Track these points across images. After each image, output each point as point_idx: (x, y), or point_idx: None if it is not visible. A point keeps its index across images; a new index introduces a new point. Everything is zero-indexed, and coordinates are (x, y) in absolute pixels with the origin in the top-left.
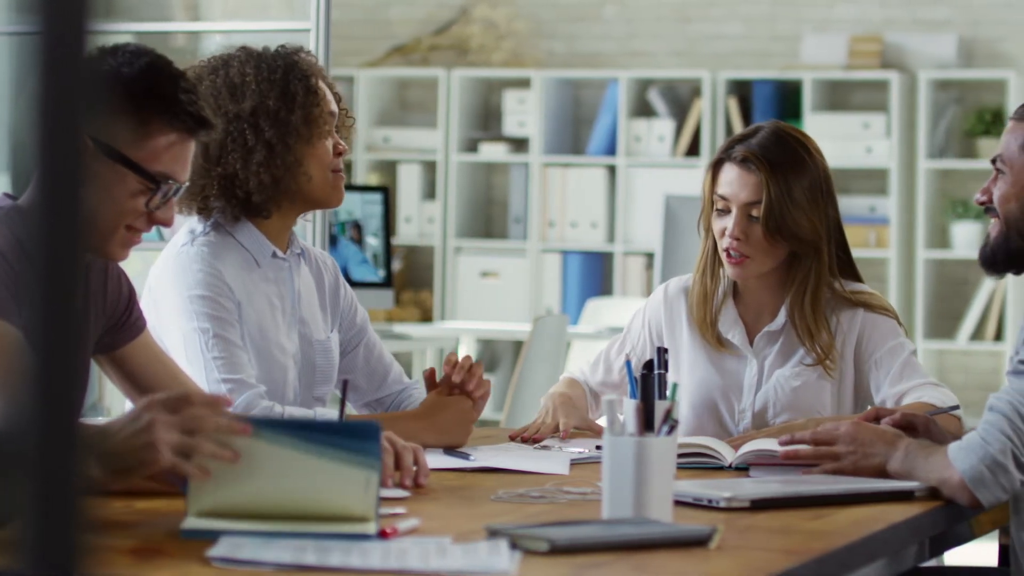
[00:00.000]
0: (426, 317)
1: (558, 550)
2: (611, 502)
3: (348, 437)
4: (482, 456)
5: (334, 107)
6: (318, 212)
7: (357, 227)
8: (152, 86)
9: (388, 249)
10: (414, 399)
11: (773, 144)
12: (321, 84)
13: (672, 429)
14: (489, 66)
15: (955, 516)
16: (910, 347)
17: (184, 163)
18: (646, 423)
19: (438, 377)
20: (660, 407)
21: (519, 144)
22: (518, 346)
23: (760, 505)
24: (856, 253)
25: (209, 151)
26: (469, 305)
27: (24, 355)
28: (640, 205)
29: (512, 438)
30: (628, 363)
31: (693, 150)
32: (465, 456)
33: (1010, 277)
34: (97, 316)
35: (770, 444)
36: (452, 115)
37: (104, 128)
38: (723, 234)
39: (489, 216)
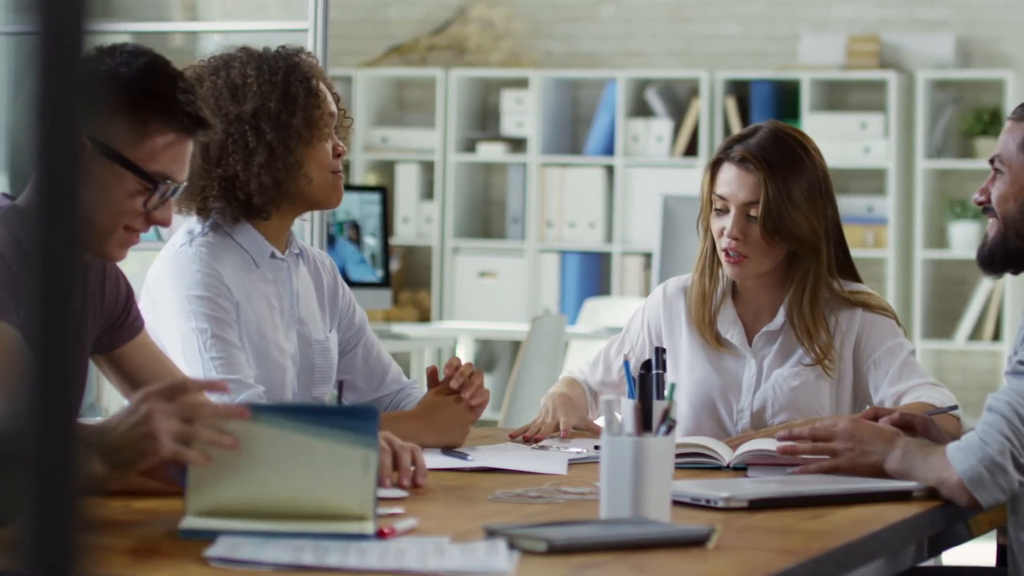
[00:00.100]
0: (424, 317)
1: (556, 550)
2: (609, 502)
3: (346, 418)
4: (480, 456)
5: (334, 108)
6: (316, 212)
7: (355, 227)
8: (150, 86)
9: (386, 249)
10: (413, 399)
11: (771, 144)
12: (322, 86)
13: (670, 429)
14: (487, 66)
15: (953, 516)
16: (909, 347)
17: (182, 163)
18: (644, 423)
19: (440, 376)
20: (658, 407)
21: (517, 144)
22: (516, 346)
23: (758, 505)
24: (854, 253)
25: (209, 152)
26: (467, 305)
27: (22, 355)
28: (638, 205)
29: (512, 437)
30: (626, 363)
31: (691, 150)
32: (463, 456)
33: (1008, 277)
34: (95, 316)
35: (768, 444)
36: (450, 115)
37: (102, 128)
38: (721, 234)
39: (487, 216)
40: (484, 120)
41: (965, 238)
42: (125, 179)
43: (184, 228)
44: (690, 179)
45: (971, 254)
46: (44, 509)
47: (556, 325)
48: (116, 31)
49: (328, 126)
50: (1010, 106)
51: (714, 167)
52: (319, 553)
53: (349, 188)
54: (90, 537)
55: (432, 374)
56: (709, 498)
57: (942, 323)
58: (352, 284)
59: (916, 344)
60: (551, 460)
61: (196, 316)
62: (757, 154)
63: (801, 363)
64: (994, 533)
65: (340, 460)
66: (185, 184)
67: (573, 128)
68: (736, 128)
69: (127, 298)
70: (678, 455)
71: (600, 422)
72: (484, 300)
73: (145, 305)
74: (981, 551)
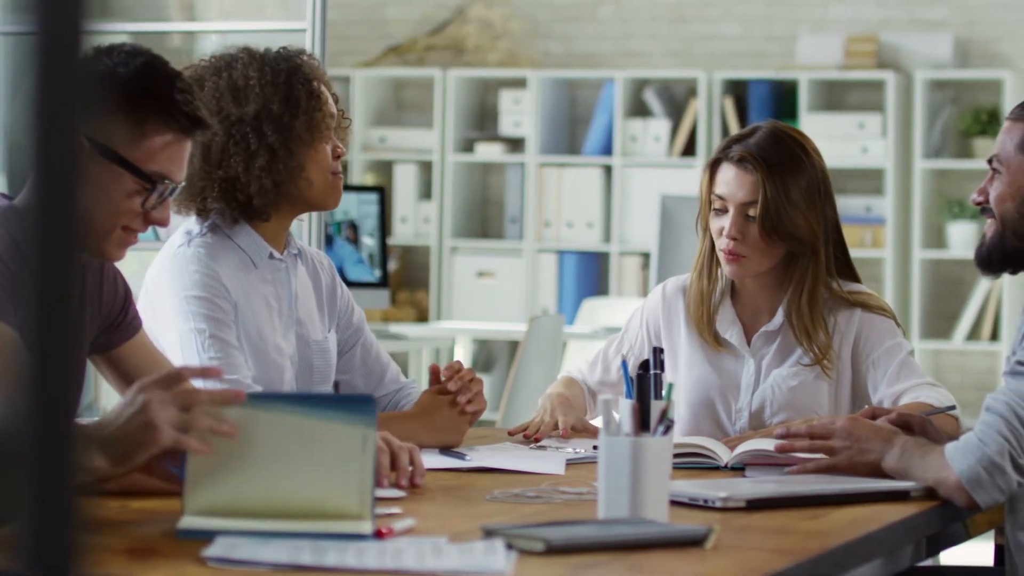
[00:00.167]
0: (422, 317)
1: (554, 550)
2: (607, 502)
3: (344, 403)
4: (478, 456)
5: (334, 109)
6: (314, 212)
7: (353, 227)
8: (148, 86)
9: (384, 249)
10: (411, 398)
11: (770, 144)
12: (323, 88)
13: (668, 429)
14: (485, 66)
15: (951, 516)
16: (907, 347)
17: (180, 163)
18: (642, 423)
19: (442, 377)
20: (656, 407)
21: (515, 144)
22: (514, 346)
23: (756, 505)
24: (852, 253)
25: (210, 153)
26: (465, 305)
27: (20, 355)
28: (636, 205)
29: (511, 434)
30: (624, 363)
31: (689, 150)
32: (461, 456)
33: (1006, 277)
34: (93, 316)
35: (766, 444)
36: (448, 115)
37: (100, 128)
38: (720, 234)
39: (485, 216)
40: (482, 120)
41: (963, 238)
42: (123, 179)
43: (182, 229)
44: (688, 179)
45: (969, 254)
46: (42, 509)
47: (554, 325)
48: (114, 31)
49: (329, 128)
50: (1008, 106)
51: (713, 167)
52: (317, 553)
53: (347, 188)
54: (88, 537)
55: (435, 372)
56: (707, 498)
57: (940, 323)
58: (350, 284)
59: (914, 344)
60: (549, 460)
61: (194, 316)
62: (756, 154)
63: (800, 363)
64: (992, 533)
65: (338, 439)
66: (184, 184)
67: (571, 128)
68: (734, 128)
69: (125, 298)
70: (676, 455)
71: (598, 422)
72: (482, 300)
73: (143, 306)
74: (979, 551)
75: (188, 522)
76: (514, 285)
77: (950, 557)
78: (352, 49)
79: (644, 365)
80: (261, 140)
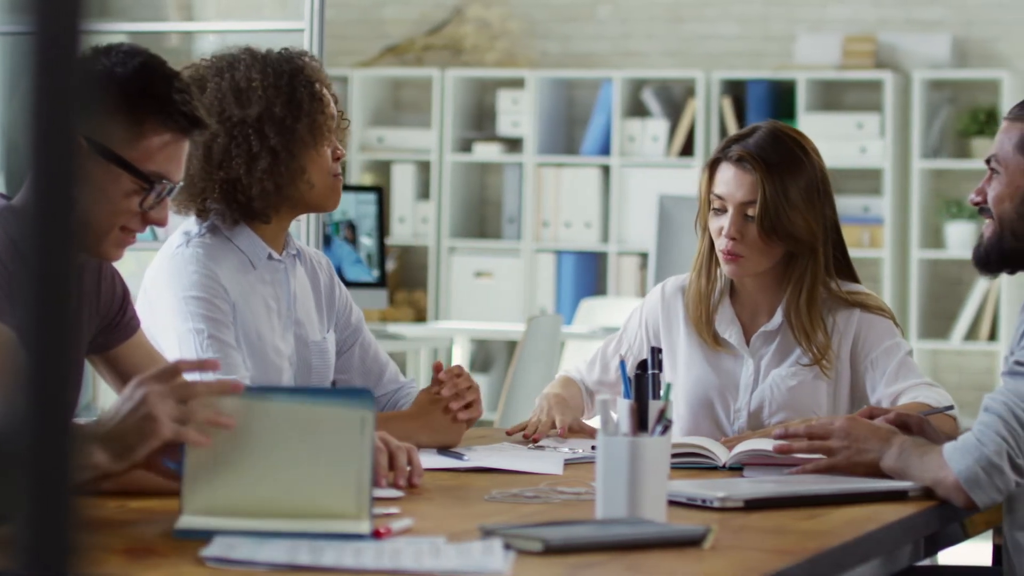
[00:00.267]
0: (420, 317)
1: (552, 550)
2: (605, 502)
3: (340, 393)
4: (476, 456)
5: (334, 111)
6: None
7: (351, 227)
8: (146, 86)
9: (382, 249)
10: (410, 398)
11: (770, 144)
12: (325, 90)
13: (666, 429)
14: (483, 66)
15: (949, 516)
16: (906, 348)
17: (178, 163)
18: (640, 423)
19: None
20: (654, 407)
21: (513, 144)
22: (512, 346)
23: (754, 505)
24: (850, 253)
25: (212, 154)
26: (463, 305)
27: (18, 355)
28: (634, 205)
29: (509, 434)
30: (622, 363)
31: (687, 150)
32: (459, 456)
33: (1004, 277)
34: (91, 316)
35: (764, 444)
36: (446, 115)
37: (98, 128)
38: (719, 233)
39: (483, 216)
40: (480, 120)
41: (961, 238)
42: (121, 179)
43: (181, 229)
44: (686, 179)
45: (967, 254)
46: (40, 509)
47: (552, 325)
48: (112, 31)
49: (331, 131)
50: (1006, 106)
51: (712, 166)
52: (315, 553)
53: (345, 188)
54: (86, 537)
55: (437, 370)
56: (705, 498)
57: (938, 323)
58: (348, 284)
59: (912, 344)
60: (547, 460)
61: (193, 317)
62: (755, 154)
63: (799, 363)
64: (990, 533)
65: (336, 422)
66: (185, 185)
67: (569, 128)
68: (732, 128)
69: (123, 298)
70: (674, 455)
71: (595, 422)
72: (480, 300)
73: (142, 306)
74: (977, 551)
75: (186, 522)
76: (512, 285)
77: (948, 557)
78: (350, 49)
79: (642, 365)
80: (263, 142)
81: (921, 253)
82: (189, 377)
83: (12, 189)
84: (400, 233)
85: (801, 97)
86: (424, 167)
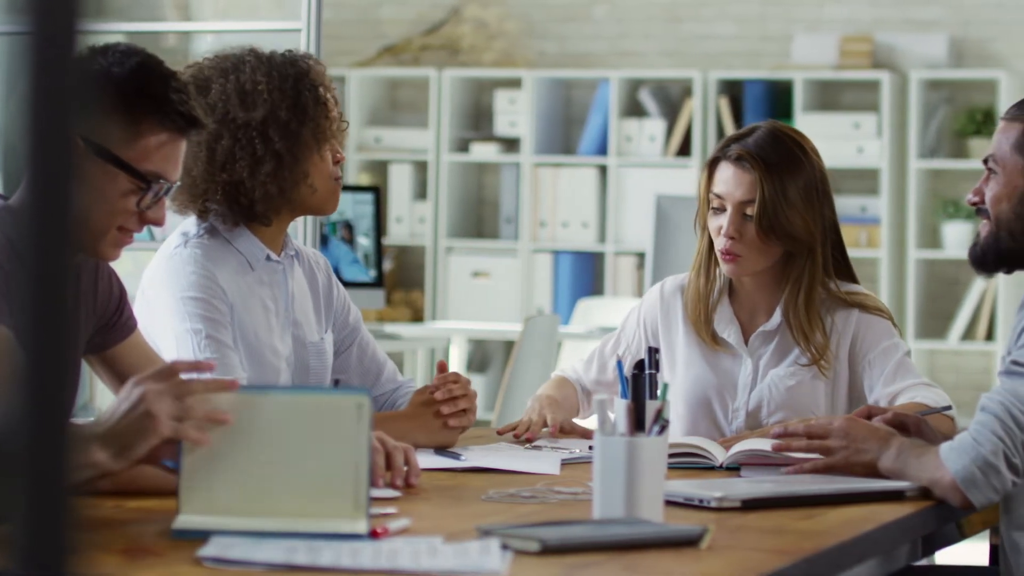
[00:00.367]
0: (417, 317)
1: (549, 550)
2: (602, 502)
3: (336, 388)
4: (473, 456)
5: (337, 115)
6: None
7: (348, 227)
8: (143, 86)
9: (379, 249)
10: (408, 397)
11: (769, 143)
12: (328, 94)
13: (663, 429)
14: (480, 66)
15: (946, 516)
16: (904, 348)
17: (175, 162)
18: (637, 423)
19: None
20: (651, 407)
21: (510, 144)
22: (509, 346)
23: (751, 505)
24: (847, 253)
25: (216, 156)
26: (460, 305)
27: (15, 355)
28: (631, 205)
29: (500, 433)
30: (619, 363)
31: (684, 150)
32: (456, 456)
33: (1001, 276)
34: (88, 316)
35: (762, 444)
36: (443, 115)
37: (95, 128)
38: (718, 232)
39: (480, 216)
40: (477, 120)
41: (958, 238)
42: (118, 179)
43: (179, 230)
44: (683, 179)
45: (964, 254)
46: (37, 509)
47: (549, 325)
48: (109, 31)
49: (333, 135)
50: (1003, 106)
51: (711, 166)
52: (312, 553)
53: (342, 188)
54: (83, 537)
55: (442, 368)
56: (702, 498)
57: (935, 323)
58: (345, 284)
59: (909, 344)
60: (544, 460)
61: (191, 317)
62: (754, 153)
63: (797, 363)
64: (987, 533)
65: (333, 410)
66: (187, 185)
67: (566, 128)
68: (729, 128)
69: (120, 298)
70: (671, 455)
71: (591, 422)
72: (477, 300)
73: (140, 306)
74: (974, 551)
75: (183, 522)
76: (509, 285)
77: (945, 557)
78: (347, 49)
79: (639, 365)
80: (268, 146)
81: (918, 253)
82: (186, 376)
83: (9, 189)
84: (397, 233)
85: (798, 97)
86: (421, 167)
